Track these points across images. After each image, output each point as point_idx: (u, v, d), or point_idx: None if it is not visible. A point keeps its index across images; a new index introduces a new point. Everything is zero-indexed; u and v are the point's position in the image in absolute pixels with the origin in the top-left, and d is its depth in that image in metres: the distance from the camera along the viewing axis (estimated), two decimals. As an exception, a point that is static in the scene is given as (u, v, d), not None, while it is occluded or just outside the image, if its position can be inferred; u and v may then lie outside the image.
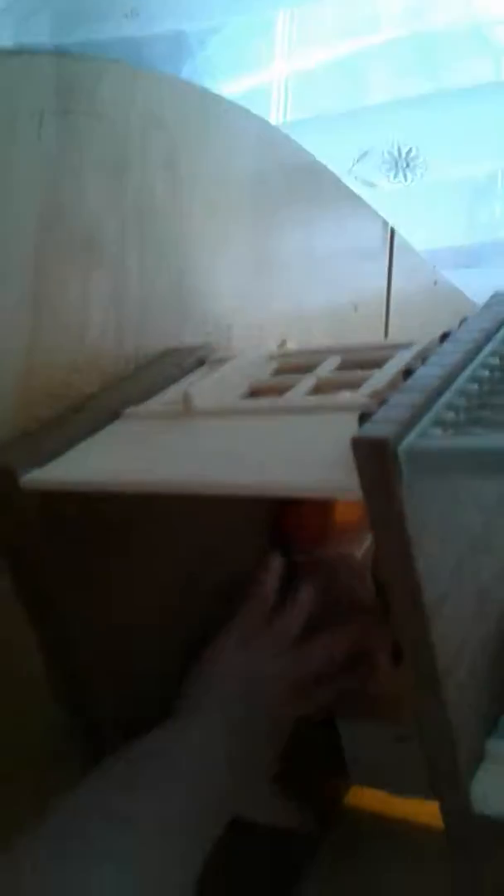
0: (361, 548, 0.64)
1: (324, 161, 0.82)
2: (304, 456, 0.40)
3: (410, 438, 0.33)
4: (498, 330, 0.44)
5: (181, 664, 0.56)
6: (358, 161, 1.80)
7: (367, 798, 0.71)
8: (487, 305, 0.47)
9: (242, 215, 0.71)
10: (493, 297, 0.49)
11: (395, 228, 0.96)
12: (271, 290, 0.74)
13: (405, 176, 1.79)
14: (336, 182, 0.86)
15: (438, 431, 0.34)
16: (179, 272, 0.63)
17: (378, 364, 0.49)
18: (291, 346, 0.60)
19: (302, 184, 0.79)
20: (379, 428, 0.33)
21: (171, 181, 0.62)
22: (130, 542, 0.51)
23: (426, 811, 0.69)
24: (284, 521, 0.66)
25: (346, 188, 0.88)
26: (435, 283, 1.02)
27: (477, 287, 1.05)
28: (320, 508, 0.68)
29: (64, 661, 0.49)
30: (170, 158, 0.61)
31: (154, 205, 0.60)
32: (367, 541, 0.64)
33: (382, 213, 0.94)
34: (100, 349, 0.55)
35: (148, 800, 0.43)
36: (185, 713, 0.52)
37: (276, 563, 0.63)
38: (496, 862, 0.40)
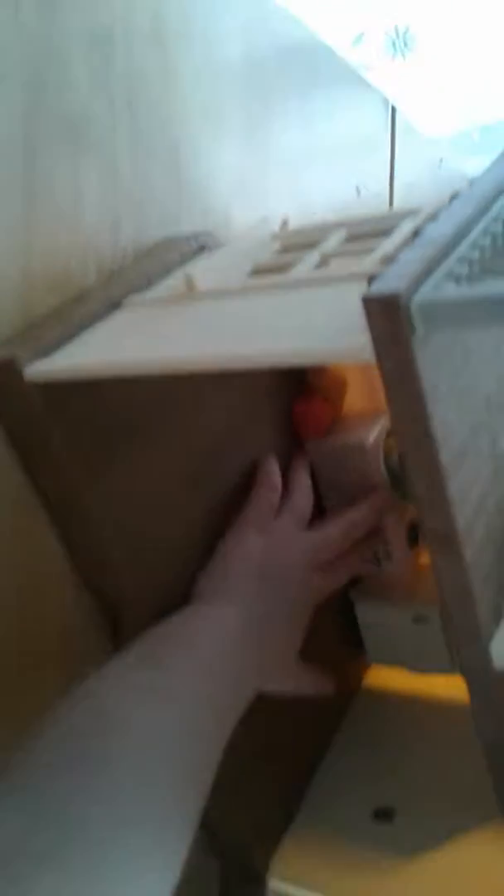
0: (372, 435, 0.64)
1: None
2: (313, 325, 0.39)
3: (423, 292, 0.32)
4: (510, 184, 0.42)
5: (198, 551, 0.56)
6: (355, 43, 1.71)
7: (385, 677, 0.73)
8: (499, 160, 0.45)
9: (236, 94, 0.67)
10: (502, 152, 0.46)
11: (397, 108, 0.91)
12: (270, 174, 0.71)
13: (403, 56, 1.70)
14: (334, 58, 0.81)
15: (452, 285, 0.33)
16: (173, 155, 0.60)
17: (386, 233, 0.47)
18: (294, 225, 0.58)
19: (298, 61, 0.75)
20: (390, 284, 0.32)
21: (160, 55, 0.58)
22: (139, 431, 0.51)
23: (442, 688, 0.71)
24: (295, 413, 0.66)
25: (345, 65, 0.83)
26: (440, 161, 0.98)
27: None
28: (329, 399, 0.67)
29: (86, 549, 0.49)
30: (156, 29, 0.58)
31: (143, 82, 0.57)
32: (378, 429, 0.64)
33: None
34: (96, 237, 0.53)
35: (171, 675, 0.44)
36: (205, 599, 0.53)
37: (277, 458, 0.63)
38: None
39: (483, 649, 0.38)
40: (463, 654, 0.38)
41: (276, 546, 0.57)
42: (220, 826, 0.59)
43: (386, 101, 0.90)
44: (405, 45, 1.69)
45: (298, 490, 0.62)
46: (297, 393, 0.67)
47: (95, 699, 0.41)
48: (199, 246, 0.57)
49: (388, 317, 0.31)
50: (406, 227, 0.45)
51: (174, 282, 0.51)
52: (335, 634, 0.70)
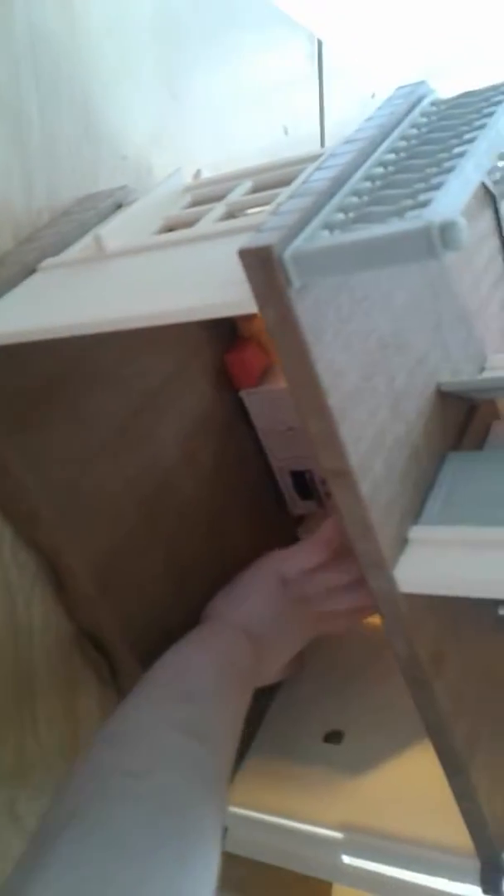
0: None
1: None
2: (210, 279, 0.40)
3: (296, 243, 0.33)
4: (397, 125, 0.43)
5: (136, 506, 0.58)
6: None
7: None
8: (389, 99, 0.45)
9: (150, 43, 0.66)
10: (396, 89, 0.47)
11: (323, 41, 0.90)
12: (193, 122, 0.71)
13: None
14: (251, -4, 0.80)
15: (326, 233, 0.34)
16: (85, 111, 0.60)
17: (289, 181, 0.48)
18: (207, 174, 0.58)
19: (213, 3, 0.74)
20: (264, 237, 0.33)
21: (64, 10, 0.58)
22: (64, 389, 0.52)
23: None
24: (227, 362, 0.67)
25: (266, 2, 0.82)
26: (373, 95, 0.97)
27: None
28: (261, 345, 0.69)
29: (14, 505, 0.51)
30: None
31: (48, 40, 0.56)
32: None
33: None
34: (8, 199, 0.53)
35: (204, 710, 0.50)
36: (222, 619, 0.59)
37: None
38: (425, 631, 0.43)
39: (387, 576, 0.40)
40: (370, 581, 0.41)
41: (287, 598, 0.60)
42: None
43: (312, 36, 0.89)
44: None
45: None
46: (229, 342, 0.68)
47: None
48: (116, 202, 0.58)
49: (262, 269, 0.33)
50: (304, 175, 0.46)
51: (87, 243, 0.52)
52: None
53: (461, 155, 0.35)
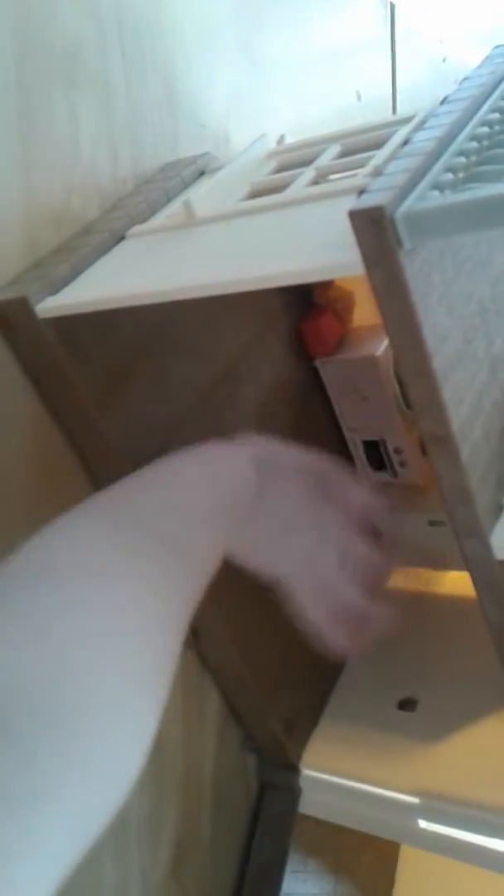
0: (381, 347, 0.65)
1: None
2: (307, 243, 0.40)
3: (407, 203, 0.33)
4: (498, 85, 0.42)
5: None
6: None
7: (404, 577, 0.76)
8: (487, 59, 0.44)
9: (227, 10, 0.66)
10: (494, 49, 0.46)
11: (395, 3, 0.88)
12: (267, 89, 0.70)
13: None
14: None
15: (436, 193, 0.34)
16: (167, 79, 0.60)
17: (379, 144, 0.47)
18: (290, 139, 0.58)
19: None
20: (374, 197, 0.33)
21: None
22: (150, 354, 0.53)
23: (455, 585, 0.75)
24: (303, 331, 0.67)
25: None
26: (444, 60, 0.95)
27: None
28: (337, 314, 0.68)
29: (101, 467, 0.52)
30: None
31: (132, 8, 0.56)
32: (387, 341, 0.65)
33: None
34: (95, 166, 0.54)
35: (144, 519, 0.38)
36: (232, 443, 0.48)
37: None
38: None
39: (483, 543, 0.40)
40: (465, 548, 0.41)
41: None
42: (254, 724, 0.64)
43: (384, -1, 0.87)
44: None
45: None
46: (305, 310, 0.68)
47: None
48: (199, 170, 0.58)
49: (374, 230, 0.32)
50: (398, 137, 0.45)
51: (175, 209, 0.52)
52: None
53: None
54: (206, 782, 0.61)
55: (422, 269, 0.35)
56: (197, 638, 0.58)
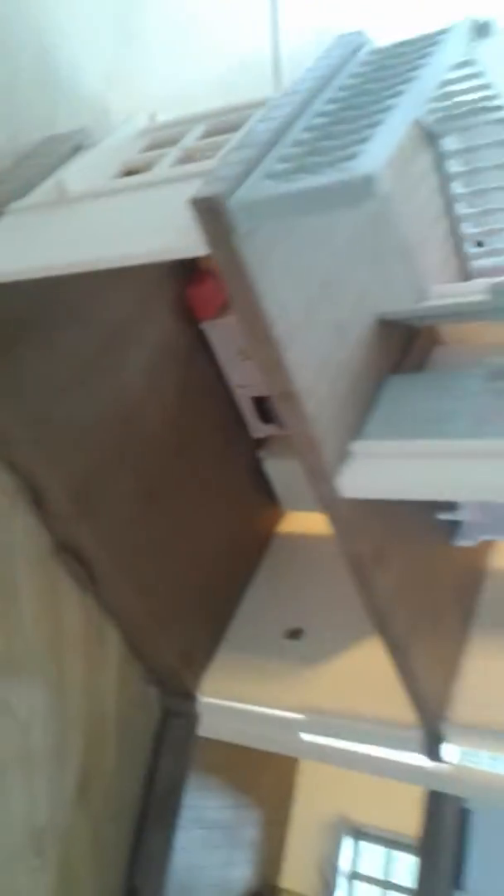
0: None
1: None
2: (166, 224, 0.44)
3: (240, 192, 0.37)
4: (334, 76, 0.46)
5: (113, 433, 0.63)
6: None
7: (296, 522, 0.83)
8: (328, 49, 0.49)
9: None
10: (335, 38, 0.50)
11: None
12: (146, 63, 0.73)
13: None
14: None
15: (269, 182, 0.38)
16: (41, 54, 0.62)
17: (237, 126, 0.52)
18: (162, 118, 0.61)
19: None
20: (212, 187, 0.38)
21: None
22: (34, 326, 0.57)
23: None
24: (188, 296, 0.71)
25: None
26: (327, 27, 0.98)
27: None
28: (221, 281, 0.73)
29: (7, 453, 0.56)
30: None
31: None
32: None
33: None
34: (-28, 146, 0.56)
35: None
36: None
37: None
38: (367, 532, 0.50)
39: (330, 484, 0.46)
40: (316, 489, 0.47)
41: None
42: (154, 659, 0.70)
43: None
44: None
45: None
46: (190, 276, 0.72)
47: None
48: (76, 146, 0.61)
49: (211, 216, 0.37)
50: (253, 121, 0.50)
51: (50, 186, 0.55)
52: (250, 489, 0.79)
53: (390, 109, 0.40)
54: (109, 714, 0.67)
55: (261, 248, 0.40)
56: (94, 581, 0.63)
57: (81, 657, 0.64)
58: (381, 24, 0.58)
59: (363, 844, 0.85)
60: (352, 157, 0.36)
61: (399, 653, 0.56)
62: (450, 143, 0.59)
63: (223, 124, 0.53)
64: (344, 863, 0.85)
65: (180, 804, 0.69)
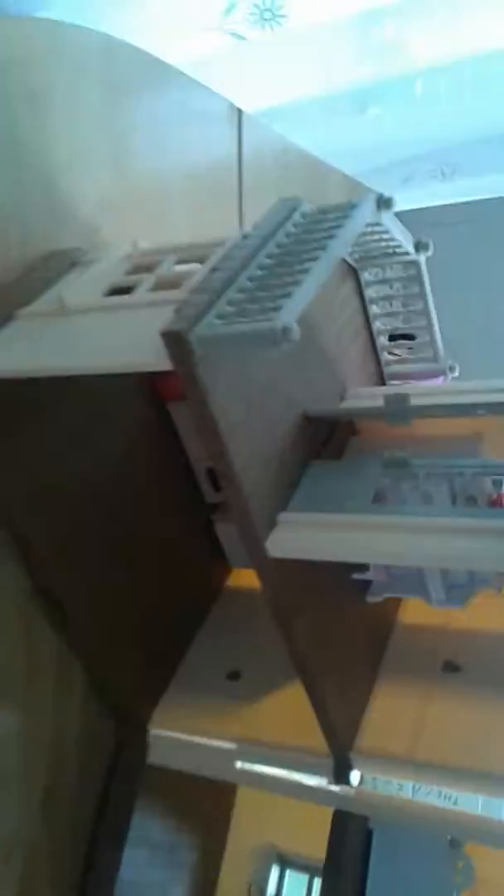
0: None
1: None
2: (140, 341, 0.57)
3: (197, 329, 0.51)
4: (274, 233, 0.61)
5: (96, 503, 0.76)
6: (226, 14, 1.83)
7: (243, 578, 0.95)
8: (272, 209, 0.64)
9: (98, 121, 0.83)
10: (278, 201, 0.65)
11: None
12: (131, 185, 0.88)
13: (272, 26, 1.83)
14: (179, 74, 0.97)
15: (219, 322, 0.52)
16: (48, 181, 0.77)
17: (202, 258, 0.66)
18: (143, 244, 0.75)
19: (148, 80, 0.91)
20: (177, 324, 0.51)
21: (31, 106, 0.74)
22: (36, 409, 0.69)
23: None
24: (158, 380, 0.85)
25: (190, 78, 1.00)
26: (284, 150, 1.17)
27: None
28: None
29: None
30: (28, 89, 0.73)
31: (16, 131, 0.73)
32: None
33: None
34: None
35: None
36: None
37: None
38: (289, 586, 0.63)
39: (261, 546, 0.59)
40: (248, 551, 0.60)
41: None
42: (112, 692, 0.81)
43: (231, 105, 1.07)
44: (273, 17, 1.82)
45: None
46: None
47: None
48: (72, 262, 0.75)
49: (176, 345, 0.51)
50: (213, 259, 0.64)
51: (52, 296, 0.69)
52: (203, 548, 0.91)
53: (307, 270, 0.54)
54: (70, 740, 0.78)
55: (211, 367, 0.53)
56: (65, 622, 0.75)
57: (50, 688, 0.75)
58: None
59: (289, 871, 0.95)
60: (276, 308, 0.50)
61: (314, 691, 0.68)
62: (368, 275, 0.75)
63: (191, 256, 0.68)
64: (271, 889, 0.95)
65: (129, 825, 0.79)
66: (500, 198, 1.44)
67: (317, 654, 0.67)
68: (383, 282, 0.76)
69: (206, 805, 0.92)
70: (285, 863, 0.95)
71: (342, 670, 0.72)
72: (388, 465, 0.64)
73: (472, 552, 0.56)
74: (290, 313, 0.49)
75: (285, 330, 0.47)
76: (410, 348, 0.78)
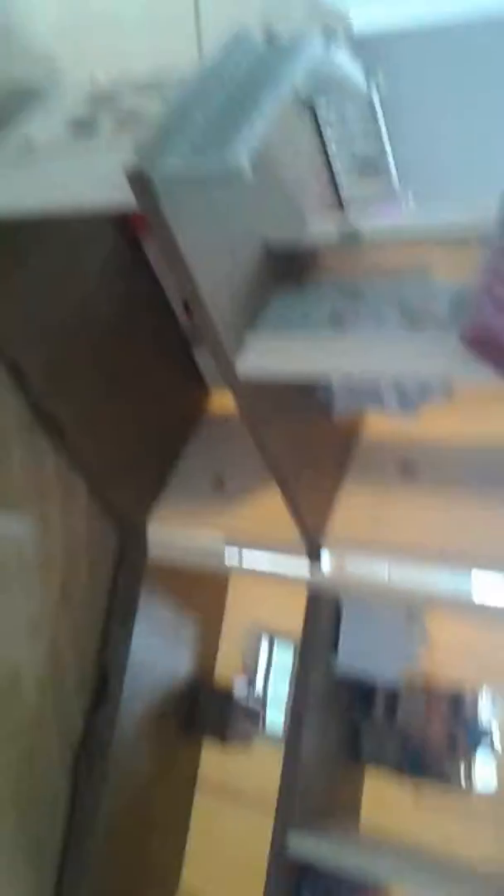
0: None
1: None
2: (107, 181, 0.61)
3: (159, 168, 0.56)
4: (227, 67, 0.63)
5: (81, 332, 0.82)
6: None
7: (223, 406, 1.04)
8: (225, 44, 0.65)
9: None
10: (230, 35, 0.66)
11: None
12: (87, 11, 0.87)
13: None
14: None
15: (176, 160, 0.56)
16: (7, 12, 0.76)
17: (160, 87, 0.68)
18: (101, 77, 0.76)
19: None
20: (139, 163, 0.55)
21: None
22: (21, 249, 0.74)
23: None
24: (132, 219, 0.89)
25: None
26: None
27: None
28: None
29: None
30: None
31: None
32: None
33: None
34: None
35: None
36: None
37: None
38: (261, 402, 0.71)
39: (231, 367, 0.66)
40: (221, 372, 0.67)
41: None
42: (112, 499, 0.92)
43: None
44: None
45: None
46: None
47: None
48: (32, 95, 0.76)
49: (139, 185, 0.55)
50: (173, 92, 0.66)
51: (21, 137, 0.71)
52: (185, 370, 1.00)
53: (259, 107, 0.57)
54: (80, 541, 0.90)
55: (175, 202, 0.58)
56: (64, 441, 0.84)
57: (58, 498, 0.85)
58: None
59: (276, 641, 1.12)
60: (232, 144, 0.54)
61: (285, 486, 0.78)
62: (326, 114, 0.77)
63: (147, 90, 0.70)
64: (262, 656, 1.12)
65: (137, 606, 0.93)
66: (481, 20, 1.38)
67: (286, 456, 0.77)
68: (340, 121, 0.78)
69: (203, 593, 1.07)
70: (273, 636, 1.11)
71: (310, 470, 0.82)
72: (345, 291, 0.70)
73: (417, 365, 0.64)
74: (244, 148, 0.54)
75: (241, 165, 0.52)
76: (367, 173, 0.81)
